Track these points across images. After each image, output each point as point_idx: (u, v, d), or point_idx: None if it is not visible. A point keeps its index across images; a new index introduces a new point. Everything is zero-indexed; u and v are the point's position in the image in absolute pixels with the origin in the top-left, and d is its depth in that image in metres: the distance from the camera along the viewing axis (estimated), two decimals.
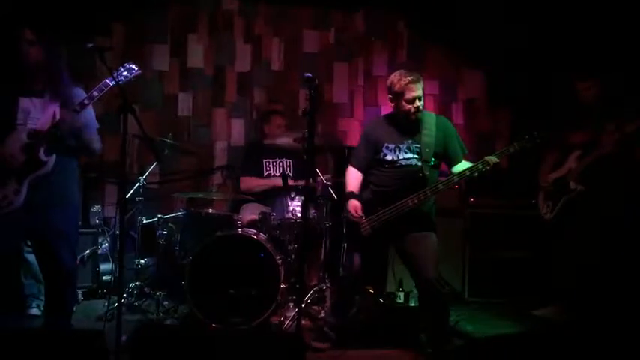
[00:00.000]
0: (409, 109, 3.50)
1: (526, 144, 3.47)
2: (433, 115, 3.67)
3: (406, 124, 3.57)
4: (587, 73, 4.40)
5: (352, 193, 3.63)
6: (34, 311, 4.21)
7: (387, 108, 4.45)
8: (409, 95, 3.47)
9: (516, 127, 5.72)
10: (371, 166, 3.67)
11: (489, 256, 5.01)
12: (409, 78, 3.46)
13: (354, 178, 3.70)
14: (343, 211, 3.69)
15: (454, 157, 3.62)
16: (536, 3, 5.37)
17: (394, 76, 3.53)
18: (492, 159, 3.43)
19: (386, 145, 3.59)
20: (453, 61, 5.87)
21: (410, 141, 3.56)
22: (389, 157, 3.57)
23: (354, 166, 3.73)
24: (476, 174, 3.46)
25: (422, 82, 3.52)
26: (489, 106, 5.91)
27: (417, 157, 3.55)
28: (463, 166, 3.56)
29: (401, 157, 3.56)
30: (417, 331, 3.84)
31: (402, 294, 4.73)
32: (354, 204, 3.56)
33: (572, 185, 4.32)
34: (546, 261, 4.66)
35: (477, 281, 5.02)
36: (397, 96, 3.52)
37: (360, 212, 3.54)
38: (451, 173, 3.60)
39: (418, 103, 3.50)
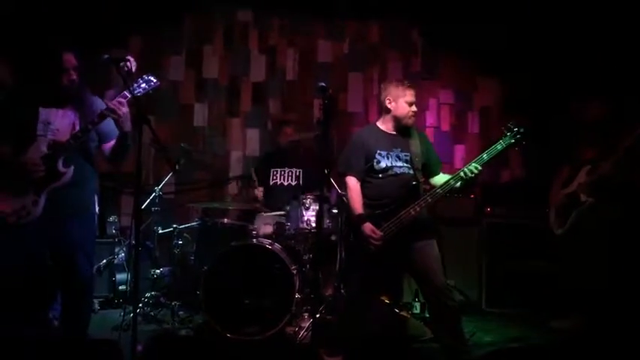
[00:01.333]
0: (408, 112, 3.55)
1: (510, 140, 3.46)
2: (412, 128, 3.69)
3: (397, 132, 3.59)
4: (594, 91, 4.46)
5: (362, 214, 3.49)
6: (52, 320, 4.22)
7: None
8: (409, 98, 3.54)
9: (533, 136, 5.67)
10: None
11: (507, 266, 4.96)
12: (408, 83, 3.58)
13: (358, 195, 3.55)
14: (351, 234, 3.63)
15: (434, 168, 3.68)
16: (554, 12, 5.33)
17: (392, 81, 3.66)
18: (475, 169, 3.43)
19: (378, 151, 3.57)
20: (468, 70, 5.86)
21: (399, 149, 3.57)
22: (383, 164, 3.54)
23: (354, 176, 3.58)
24: (460, 183, 3.47)
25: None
26: (505, 115, 5.85)
27: (408, 165, 3.57)
28: (442, 177, 3.62)
29: (394, 164, 3.55)
30: (429, 342, 3.80)
31: (418, 304, 4.69)
32: (370, 227, 3.43)
33: (582, 198, 4.31)
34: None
35: (494, 291, 4.97)
36: (397, 97, 3.55)
37: (378, 233, 3.42)
38: (429, 184, 3.62)
39: (415, 107, 3.57)
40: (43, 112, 3.09)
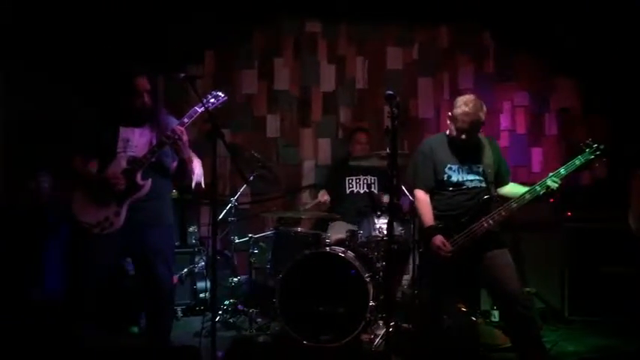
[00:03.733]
0: (458, 137, 3.44)
1: (589, 156, 3.39)
2: (484, 137, 3.61)
3: (465, 145, 3.49)
4: None
5: (433, 226, 3.48)
6: (135, 329, 4.43)
7: None
8: (459, 125, 3.40)
9: (615, 138, 5.42)
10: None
11: (590, 271, 4.76)
12: (467, 110, 3.37)
13: (427, 206, 3.53)
14: (421, 246, 3.63)
15: (503, 178, 3.59)
16: (633, 10, 5.09)
17: (461, 99, 3.44)
18: (552, 185, 3.33)
19: (449, 165, 3.50)
20: (544, 70, 5.68)
21: (470, 162, 3.50)
22: (454, 179, 3.49)
23: (423, 190, 3.57)
24: (542, 191, 3.37)
25: (482, 117, 3.40)
26: (585, 116, 5.64)
27: (480, 178, 3.49)
28: (513, 186, 3.54)
29: (465, 179, 3.49)
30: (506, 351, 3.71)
31: (496, 312, 4.58)
32: (440, 239, 3.41)
33: None
34: None
35: (577, 299, 4.78)
36: (453, 118, 3.45)
37: (449, 246, 3.40)
38: (501, 196, 3.54)
39: (464, 136, 3.41)
40: (123, 131, 3.29)
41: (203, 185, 3.67)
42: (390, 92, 3.05)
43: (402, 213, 4.61)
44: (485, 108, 3.45)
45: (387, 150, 3.15)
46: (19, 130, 4.54)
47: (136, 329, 4.41)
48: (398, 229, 4.43)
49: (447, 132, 3.59)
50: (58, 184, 4.54)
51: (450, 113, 3.49)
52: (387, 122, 3.07)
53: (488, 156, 3.52)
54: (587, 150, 3.41)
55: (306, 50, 5.74)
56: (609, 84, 5.37)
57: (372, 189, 4.90)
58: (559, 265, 4.86)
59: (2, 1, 4.19)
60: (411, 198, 4.52)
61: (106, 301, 3.48)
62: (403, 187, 4.56)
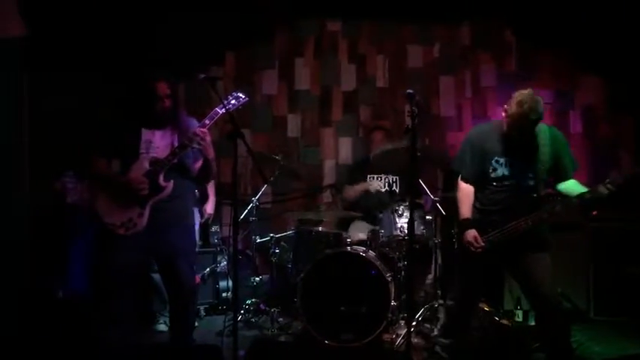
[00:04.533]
0: (509, 132, 3.29)
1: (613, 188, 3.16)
2: (545, 127, 3.36)
3: (518, 140, 3.29)
4: None
5: (468, 220, 3.39)
6: (161, 327, 4.48)
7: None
8: (521, 122, 3.21)
9: None
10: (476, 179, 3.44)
11: (617, 271, 4.71)
12: (519, 110, 3.17)
13: (468, 198, 3.42)
14: (457, 236, 3.55)
15: (564, 173, 3.34)
16: None
17: (515, 95, 3.22)
18: (608, 189, 3.16)
19: (496, 158, 3.33)
20: (567, 68, 5.60)
21: (521, 158, 3.31)
22: (500, 172, 3.32)
23: (466, 181, 3.46)
24: (593, 197, 3.20)
25: (532, 116, 3.18)
26: (610, 114, 5.55)
27: (531, 175, 3.30)
28: (573, 184, 3.32)
29: (513, 174, 3.31)
30: (533, 351, 3.66)
31: (520, 312, 4.54)
32: (473, 234, 3.33)
33: None
34: None
35: (603, 299, 4.72)
36: (512, 115, 3.23)
37: (480, 242, 3.32)
38: (556, 189, 3.36)
39: (515, 134, 3.25)
40: (145, 133, 3.35)
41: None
42: (410, 91, 3.03)
43: (424, 212, 4.59)
44: (542, 103, 3.21)
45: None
46: (45, 131, 4.62)
47: (163, 327, 4.46)
48: (419, 229, 4.40)
49: (498, 121, 3.42)
50: (83, 184, 4.61)
51: (505, 106, 3.28)
52: (408, 121, 3.05)
53: (544, 152, 3.28)
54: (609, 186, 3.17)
55: (327, 50, 5.74)
56: (635, 81, 5.28)
57: (394, 188, 4.88)
58: (584, 265, 4.80)
59: (27, 5, 4.28)
60: (432, 197, 4.51)
61: (132, 300, 3.52)
62: (424, 185, 4.55)
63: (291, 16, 5.64)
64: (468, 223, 3.39)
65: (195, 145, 3.26)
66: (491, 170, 3.36)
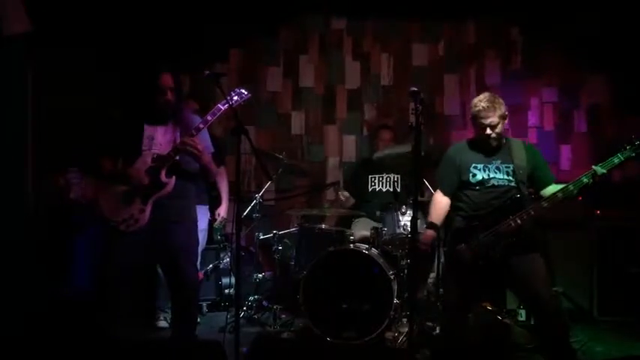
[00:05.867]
0: (482, 135, 3.44)
1: (630, 153, 3.26)
2: (519, 141, 3.63)
3: (492, 145, 3.47)
4: None
5: (432, 223, 3.66)
6: (162, 323, 4.49)
7: None
8: (480, 121, 3.41)
9: None
10: (459, 189, 3.56)
11: (620, 271, 4.69)
12: (483, 105, 3.39)
13: (439, 207, 3.64)
14: (446, 242, 3.71)
15: (544, 181, 3.47)
16: None
17: (475, 99, 3.49)
18: (599, 169, 3.23)
19: (474, 164, 3.48)
20: (573, 66, 5.57)
21: (499, 161, 3.47)
22: (479, 177, 3.46)
23: (442, 193, 3.64)
24: (576, 191, 3.26)
25: (500, 109, 3.40)
26: (616, 113, 5.52)
27: (509, 177, 3.43)
28: (554, 187, 3.40)
29: (492, 176, 3.45)
30: (534, 350, 3.67)
31: (523, 312, 4.52)
32: (429, 234, 3.65)
33: None
34: None
35: (607, 299, 4.71)
36: (473, 119, 3.48)
37: (427, 246, 3.67)
38: (540, 197, 3.44)
39: (489, 131, 3.41)
40: (148, 129, 3.34)
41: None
42: (414, 89, 3.03)
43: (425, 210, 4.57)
44: (501, 100, 3.44)
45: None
46: (49, 128, 4.63)
47: (164, 323, 4.46)
48: (422, 227, 4.39)
49: (470, 139, 3.63)
50: (86, 181, 4.62)
51: (471, 115, 3.50)
52: (412, 119, 3.05)
53: (520, 157, 3.45)
54: (628, 147, 3.27)
55: (331, 47, 5.73)
56: None
57: (396, 187, 4.87)
58: (587, 265, 4.78)
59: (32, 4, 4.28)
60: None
61: (135, 296, 3.53)
62: (427, 184, 4.55)
63: (295, 13, 5.63)
64: (430, 225, 3.66)
65: (187, 153, 3.25)
66: (471, 176, 3.49)
